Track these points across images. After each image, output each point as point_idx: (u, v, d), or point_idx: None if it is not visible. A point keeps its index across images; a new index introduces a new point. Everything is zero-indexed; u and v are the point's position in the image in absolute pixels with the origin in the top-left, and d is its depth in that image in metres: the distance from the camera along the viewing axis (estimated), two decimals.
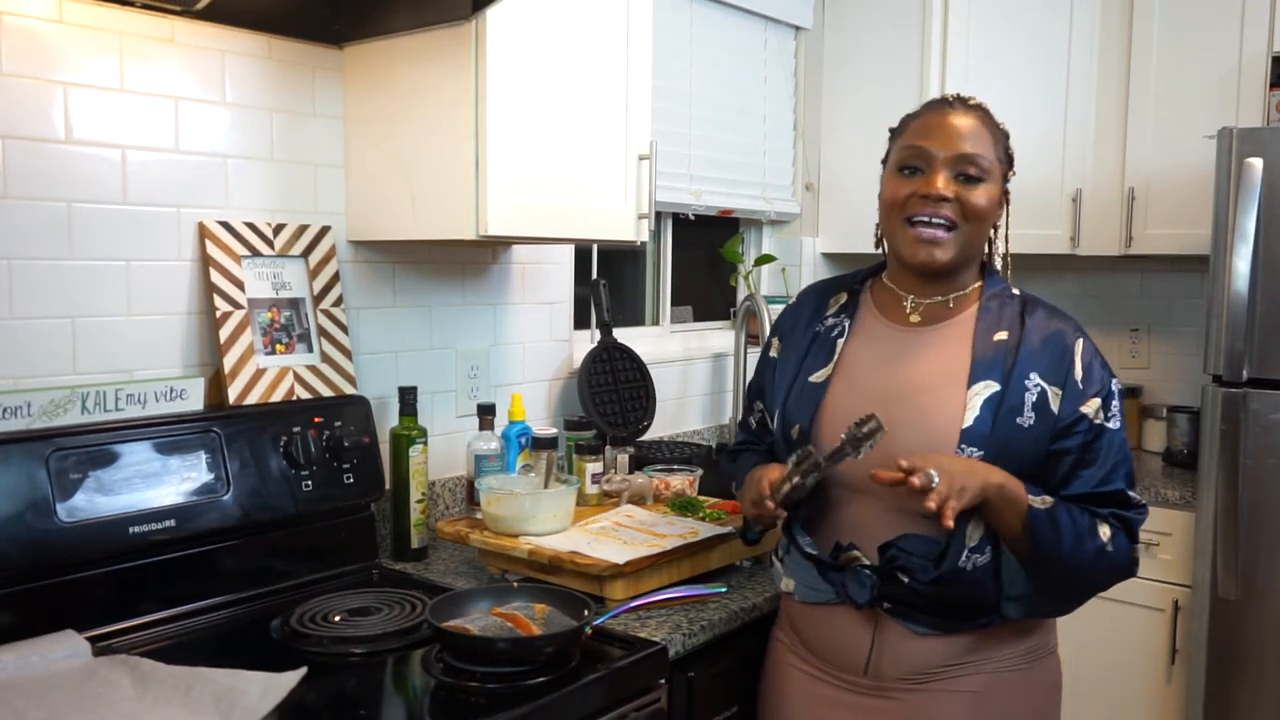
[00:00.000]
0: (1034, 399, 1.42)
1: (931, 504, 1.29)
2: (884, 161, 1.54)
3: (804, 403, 1.53)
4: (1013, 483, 1.38)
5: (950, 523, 1.29)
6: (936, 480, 1.30)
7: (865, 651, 1.48)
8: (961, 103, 1.51)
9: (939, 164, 1.45)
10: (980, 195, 1.45)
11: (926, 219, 1.45)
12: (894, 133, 1.54)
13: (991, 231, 1.54)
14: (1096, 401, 1.44)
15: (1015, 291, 1.54)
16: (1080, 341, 1.47)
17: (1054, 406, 1.42)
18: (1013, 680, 1.48)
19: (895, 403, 1.45)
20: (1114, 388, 1.47)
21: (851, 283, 1.64)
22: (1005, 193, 1.53)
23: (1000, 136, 1.51)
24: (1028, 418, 1.41)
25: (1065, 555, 1.39)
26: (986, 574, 1.42)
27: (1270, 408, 2.47)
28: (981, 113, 1.50)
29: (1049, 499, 1.41)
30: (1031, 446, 1.42)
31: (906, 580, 1.41)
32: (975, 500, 1.34)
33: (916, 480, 1.30)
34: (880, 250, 1.60)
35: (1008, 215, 1.56)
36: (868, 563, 1.45)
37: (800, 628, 1.58)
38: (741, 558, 1.88)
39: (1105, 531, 1.42)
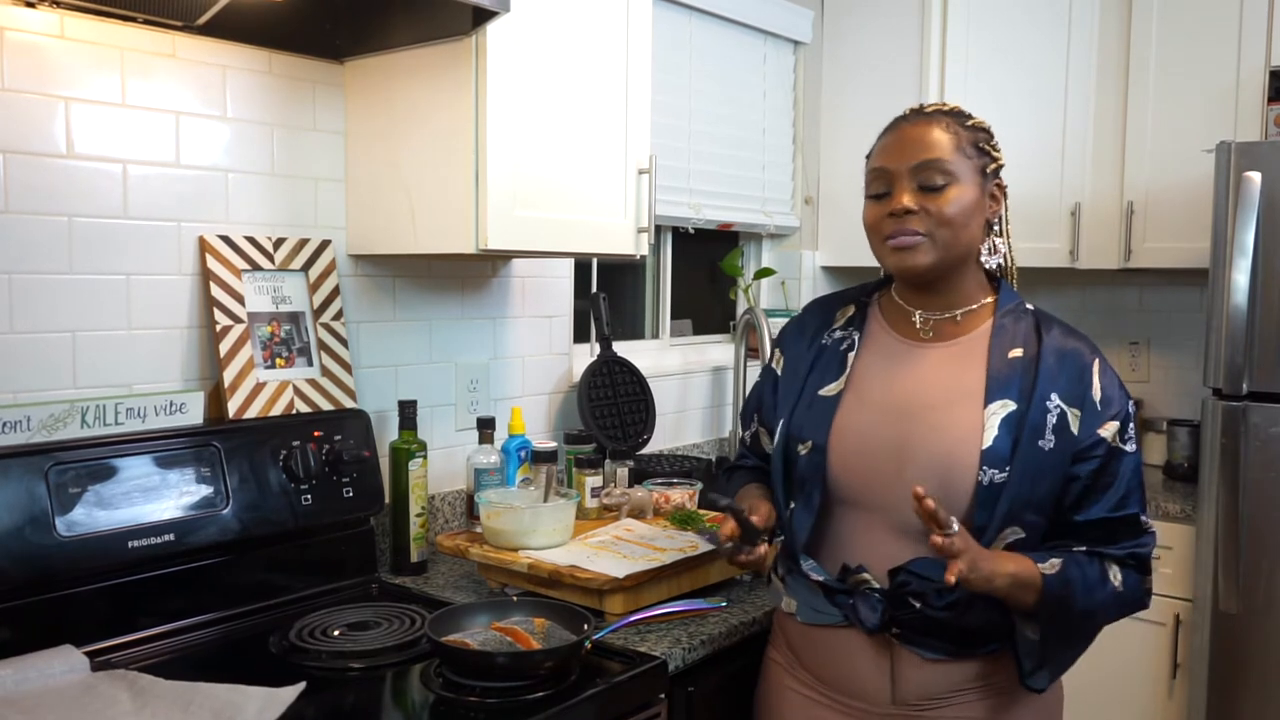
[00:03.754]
0: (1054, 421, 1.39)
1: (938, 540, 1.27)
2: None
3: (815, 417, 1.50)
4: (1023, 568, 1.36)
5: (952, 579, 1.27)
6: (955, 528, 1.28)
7: (874, 676, 1.45)
8: (918, 113, 1.47)
9: (900, 180, 1.42)
10: (948, 199, 1.40)
11: (900, 234, 1.43)
12: (867, 159, 1.51)
13: (991, 232, 1.50)
14: (1115, 425, 1.42)
15: (1029, 307, 1.51)
16: (1097, 361, 1.45)
17: (1074, 429, 1.40)
18: (1017, 701, 1.46)
19: (909, 419, 1.44)
20: (1130, 410, 1.45)
21: (859, 295, 1.61)
22: (999, 188, 1.48)
23: (967, 134, 1.44)
24: (1049, 440, 1.39)
25: (1077, 611, 1.38)
26: (1001, 602, 1.40)
27: (1270, 421, 2.47)
28: (942, 116, 1.45)
29: (1055, 561, 1.38)
30: (1052, 470, 1.39)
31: (919, 605, 1.39)
32: (986, 588, 1.33)
33: (932, 504, 1.27)
34: (883, 273, 1.59)
35: (1006, 215, 1.52)
36: (877, 586, 1.42)
37: (801, 650, 1.55)
38: (741, 572, 1.87)
39: (1115, 574, 1.41)
